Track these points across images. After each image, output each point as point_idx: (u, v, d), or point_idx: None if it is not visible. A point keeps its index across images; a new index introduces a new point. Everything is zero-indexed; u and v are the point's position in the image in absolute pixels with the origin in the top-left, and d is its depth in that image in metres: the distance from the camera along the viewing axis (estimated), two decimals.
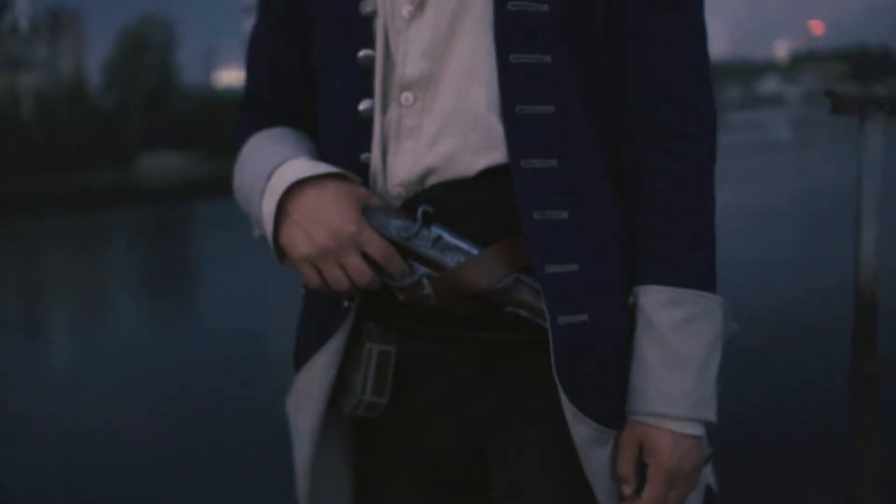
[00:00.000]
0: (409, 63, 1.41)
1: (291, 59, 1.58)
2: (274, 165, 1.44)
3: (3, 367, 9.93)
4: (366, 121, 1.44)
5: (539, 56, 1.38)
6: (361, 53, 1.43)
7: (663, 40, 1.43)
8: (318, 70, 1.52)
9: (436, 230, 1.38)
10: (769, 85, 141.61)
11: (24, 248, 23.43)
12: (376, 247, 1.37)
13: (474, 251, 1.38)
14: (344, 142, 1.47)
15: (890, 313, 3.26)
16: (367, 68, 1.44)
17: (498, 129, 1.39)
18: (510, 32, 1.38)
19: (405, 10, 1.41)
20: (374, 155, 1.44)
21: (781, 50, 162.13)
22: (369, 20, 1.43)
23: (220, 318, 12.06)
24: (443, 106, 1.41)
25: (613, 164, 1.46)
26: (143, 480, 5.89)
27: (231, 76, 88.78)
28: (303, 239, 1.38)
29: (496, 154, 1.39)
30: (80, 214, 32.91)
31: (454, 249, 1.38)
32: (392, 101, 1.43)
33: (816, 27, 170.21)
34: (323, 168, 1.41)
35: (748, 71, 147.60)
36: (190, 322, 12.48)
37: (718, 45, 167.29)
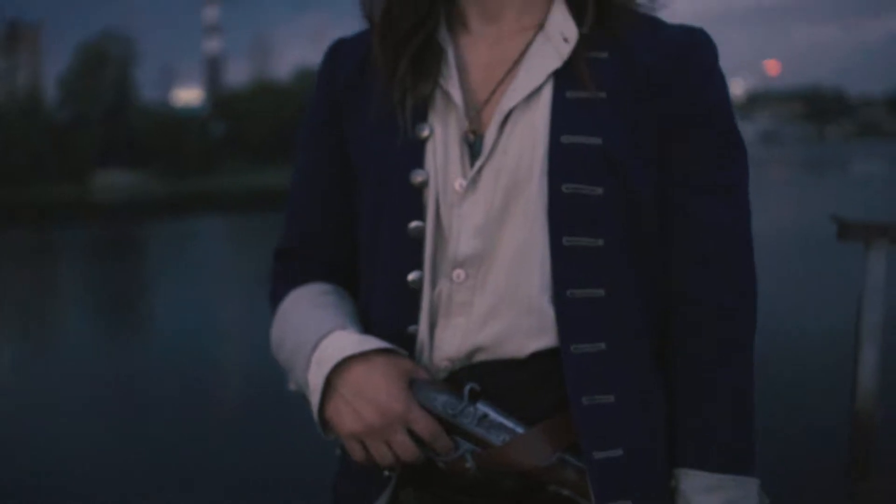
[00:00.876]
0: (462, 240, 1.39)
1: (334, 211, 1.55)
2: (319, 336, 1.41)
3: None
4: (414, 292, 1.41)
5: (591, 239, 1.36)
6: (412, 224, 1.40)
7: (710, 223, 1.42)
8: (365, 233, 1.48)
9: (482, 408, 1.36)
10: None
11: None
12: (423, 426, 1.35)
13: (520, 429, 1.35)
14: (391, 311, 1.43)
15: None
16: (417, 240, 1.40)
17: (549, 313, 1.36)
18: (564, 215, 1.36)
19: (457, 183, 1.39)
20: (422, 328, 1.41)
21: (737, 88, 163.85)
22: (420, 190, 1.40)
23: (170, 334, 12.01)
24: (495, 286, 1.38)
25: (659, 343, 1.44)
26: (94, 491, 5.87)
27: (189, 95, 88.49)
28: (350, 416, 1.36)
29: (546, 338, 1.37)
30: (32, 229, 32.65)
31: (500, 427, 1.35)
32: (442, 275, 1.40)
33: (772, 67, 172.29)
34: (371, 343, 1.37)
35: None
36: (141, 338, 12.42)
37: None
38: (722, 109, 1.43)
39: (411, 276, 1.40)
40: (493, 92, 1.42)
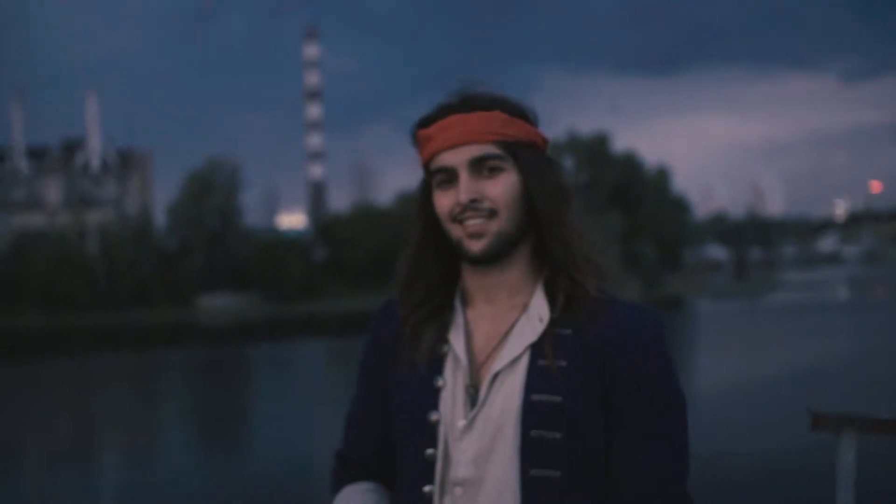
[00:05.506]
0: (461, 467, 1.90)
1: (380, 435, 2.08)
2: None
3: (60, 495, 10.17)
4: (428, 500, 1.93)
5: (552, 471, 1.85)
6: (428, 451, 1.93)
7: (646, 463, 1.86)
8: (398, 454, 2.01)
9: None
10: (827, 243, 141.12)
11: (82, 382, 23.81)
12: None
13: None
14: None
15: None
16: (431, 462, 1.93)
17: None
18: (531, 453, 1.85)
19: (460, 423, 1.91)
20: None
21: (839, 209, 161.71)
22: (434, 426, 1.93)
23: (269, 455, 12.25)
24: (483, 501, 1.89)
25: None
26: None
27: (293, 220, 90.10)
28: None
29: None
30: (139, 351, 33.38)
31: None
32: (448, 490, 1.92)
33: (875, 186, 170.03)
34: None
35: (806, 229, 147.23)
36: (240, 459, 12.67)
37: (776, 203, 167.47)
38: (659, 375, 1.90)
39: (426, 489, 1.93)
40: (489, 356, 1.94)
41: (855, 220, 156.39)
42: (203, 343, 36.27)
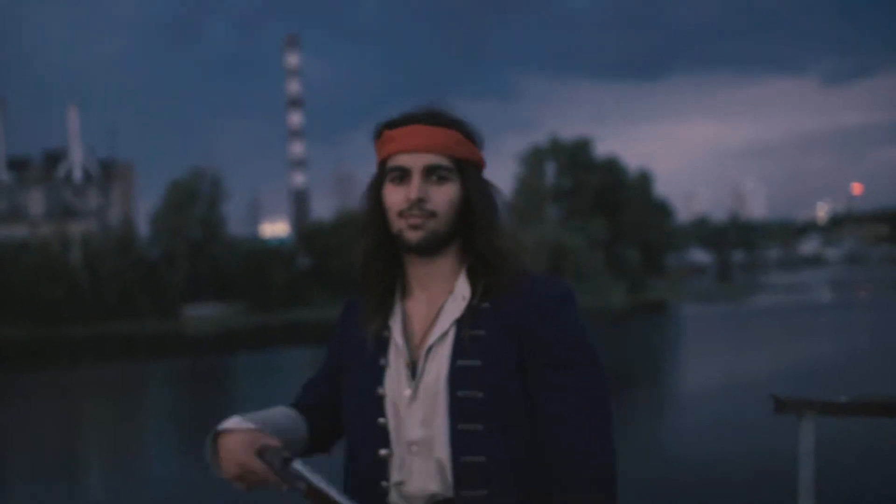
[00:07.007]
0: (414, 430, 2.24)
1: (327, 395, 2.50)
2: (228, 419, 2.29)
3: None
4: (384, 461, 2.27)
5: (475, 425, 2.18)
6: (380, 420, 2.28)
7: (562, 414, 2.16)
8: (349, 423, 2.37)
9: (296, 466, 2.15)
10: (809, 246, 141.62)
11: (66, 393, 23.78)
12: (260, 473, 2.21)
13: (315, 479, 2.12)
14: (369, 475, 2.30)
15: None
16: (384, 428, 2.27)
17: (450, 470, 2.20)
18: (458, 410, 2.19)
19: (406, 393, 2.27)
20: (392, 483, 2.27)
21: (821, 212, 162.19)
22: (382, 399, 2.29)
23: None
24: (431, 456, 2.22)
25: (529, 493, 2.19)
26: None
27: (276, 228, 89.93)
28: (219, 465, 2.29)
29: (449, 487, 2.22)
30: (122, 362, 33.33)
31: (300, 478, 2.13)
32: (403, 449, 2.25)
33: (856, 188, 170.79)
34: (240, 424, 2.27)
35: (788, 232, 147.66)
36: None
37: (759, 207, 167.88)
38: (566, 336, 2.22)
39: (382, 452, 2.27)
40: (424, 336, 2.29)
41: (837, 223, 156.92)
42: (188, 353, 36.22)
